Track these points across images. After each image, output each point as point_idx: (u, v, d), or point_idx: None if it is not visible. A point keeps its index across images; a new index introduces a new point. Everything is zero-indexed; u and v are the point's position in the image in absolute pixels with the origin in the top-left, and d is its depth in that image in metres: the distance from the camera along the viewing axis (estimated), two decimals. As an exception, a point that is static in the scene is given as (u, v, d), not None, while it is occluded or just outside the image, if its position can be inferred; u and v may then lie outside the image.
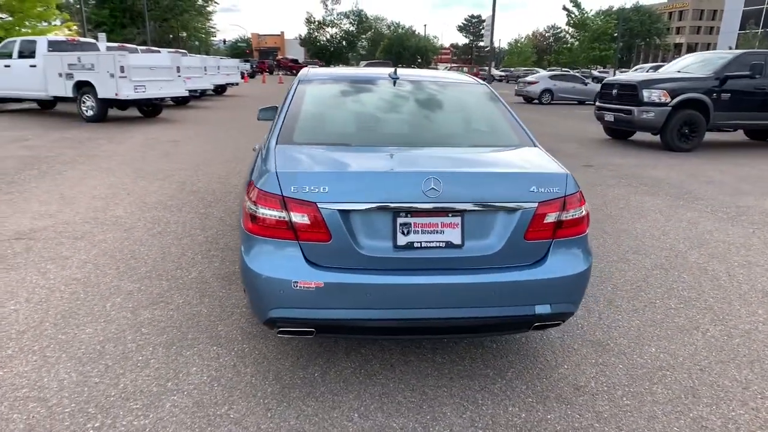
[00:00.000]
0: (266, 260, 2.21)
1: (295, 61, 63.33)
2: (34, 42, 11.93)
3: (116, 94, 11.04)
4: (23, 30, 17.38)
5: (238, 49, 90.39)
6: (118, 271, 3.66)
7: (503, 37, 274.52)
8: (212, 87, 19.68)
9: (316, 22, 56.79)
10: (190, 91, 15.80)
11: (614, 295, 3.57)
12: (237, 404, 2.30)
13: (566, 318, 2.47)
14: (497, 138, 2.90)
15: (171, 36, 45.50)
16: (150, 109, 13.13)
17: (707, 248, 4.56)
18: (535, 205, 2.27)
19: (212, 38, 62.73)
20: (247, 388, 2.42)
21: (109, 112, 12.10)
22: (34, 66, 11.68)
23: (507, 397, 2.42)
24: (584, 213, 2.42)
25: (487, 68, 32.87)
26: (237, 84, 23.55)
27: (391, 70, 3.27)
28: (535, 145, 2.78)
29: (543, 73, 27.20)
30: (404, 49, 52.59)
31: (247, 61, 54.38)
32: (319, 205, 2.15)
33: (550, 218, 2.30)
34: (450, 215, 2.24)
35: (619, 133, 11.53)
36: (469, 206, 2.22)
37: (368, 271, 2.20)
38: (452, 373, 2.59)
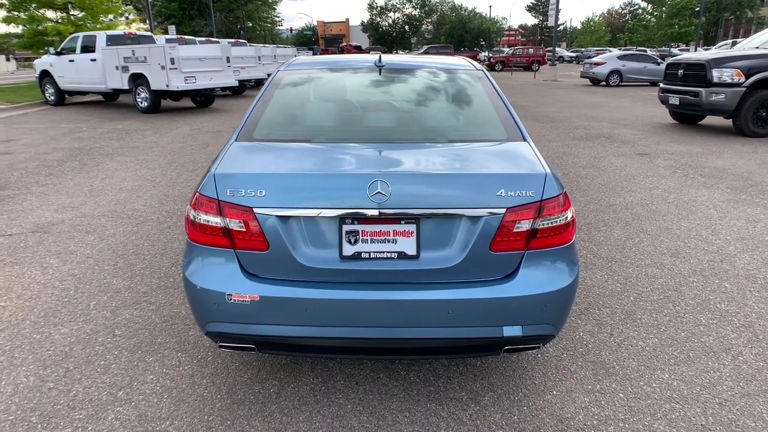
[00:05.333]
0: (202, 270, 2.06)
1: (359, 47, 63.45)
2: (94, 37, 12.56)
3: (167, 85, 11.41)
4: (90, 25, 18.40)
5: (304, 38, 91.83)
6: (114, 268, 3.67)
7: (576, 16, 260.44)
8: (266, 76, 19.99)
9: (378, 8, 56.39)
10: (244, 80, 16.12)
11: (635, 306, 3.14)
12: (180, 420, 2.17)
13: (546, 341, 2.14)
14: (482, 132, 2.56)
15: (238, 26, 46.85)
16: (202, 100, 13.50)
17: (763, 252, 3.95)
18: (503, 211, 1.95)
19: (278, 27, 64.02)
20: (196, 402, 2.29)
21: (164, 103, 12.55)
22: (95, 60, 12.31)
23: (475, 428, 2.14)
24: (568, 220, 2.06)
25: (554, 49, 31.21)
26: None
27: (384, 56, 3.00)
28: (524, 140, 2.43)
29: (611, 53, 25.44)
30: (466, 32, 50.96)
31: (311, 48, 55.13)
32: (255, 211, 1.96)
33: (522, 226, 1.97)
34: (403, 222, 1.97)
35: (688, 117, 10.49)
36: (423, 213, 1.94)
37: (310, 284, 1.99)
38: (421, 395, 2.34)
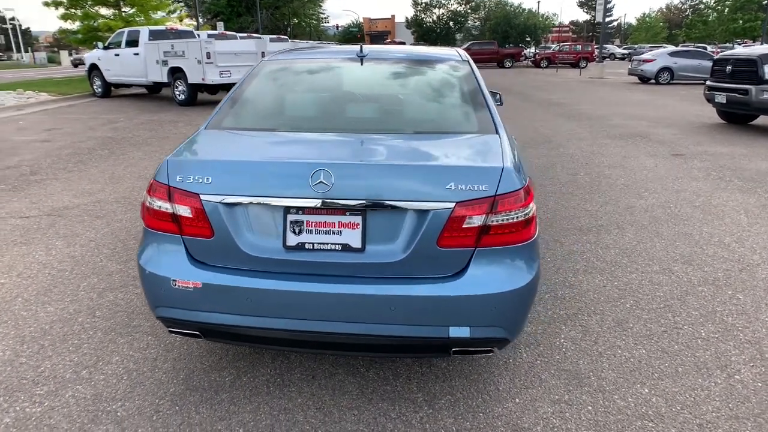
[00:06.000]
0: (152, 255, 2.06)
1: (402, 43, 63.40)
2: (137, 32, 13.06)
3: (203, 79, 11.72)
4: (141, 21, 19.14)
5: (350, 34, 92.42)
6: (113, 251, 3.78)
7: (632, 11, 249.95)
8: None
9: (423, 4, 55.93)
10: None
11: (629, 314, 2.95)
12: (131, 402, 2.20)
13: (500, 345, 2.02)
14: (453, 124, 2.45)
15: (285, 23, 47.65)
16: (238, 93, 13.77)
17: (787, 263, 3.64)
18: (452, 205, 1.85)
19: (324, 24, 64.68)
20: (152, 385, 2.31)
21: (202, 96, 12.90)
22: (137, 54, 12.79)
23: (423, 431, 2.05)
24: (527, 217, 1.94)
25: (601, 45, 30.07)
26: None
27: (369, 47, 2.93)
28: (496, 132, 2.31)
29: (662, 49, 24.24)
30: (511, 27, 49.77)
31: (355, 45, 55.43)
32: (201, 197, 1.94)
33: (472, 222, 1.86)
34: (348, 214, 1.90)
35: (738, 117, 9.84)
36: (367, 204, 1.87)
37: (253, 273, 1.95)
38: (375, 394, 2.27)
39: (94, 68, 14.30)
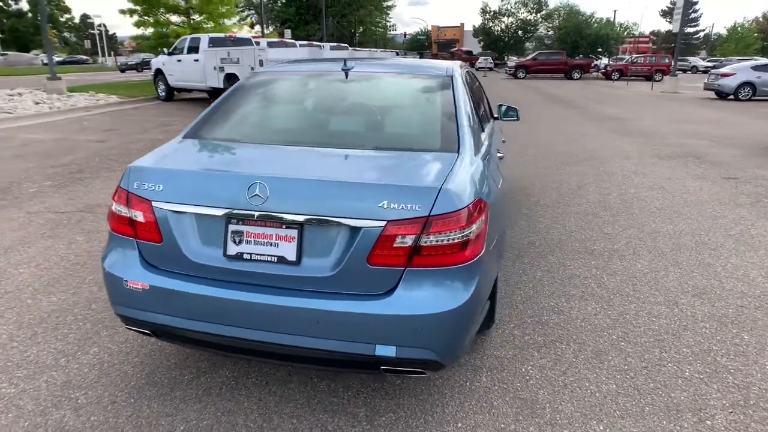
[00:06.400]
0: (112, 256, 2.21)
1: (469, 52, 62.95)
2: (198, 39, 13.84)
3: (256, 86, 12.20)
4: (209, 28, 20.26)
5: (418, 42, 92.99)
6: (127, 248, 4.04)
7: (722, 21, 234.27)
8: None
9: (492, 12, 55.40)
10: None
11: (612, 346, 2.80)
12: (94, 391, 2.35)
13: (432, 368, 2.00)
14: (415, 140, 2.45)
15: (351, 30, 48.75)
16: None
17: (813, 303, 3.31)
18: (383, 224, 1.86)
19: (390, 32, 65.52)
20: (117, 377, 2.46)
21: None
22: (197, 60, 13.55)
23: (354, 447, 2.06)
24: (464, 239, 1.91)
25: (676, 57, 28.41)
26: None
27: (354, 61, 2.98)
28: (456, 152, 2.28)
29: (744, 63, 22.54)
30: (581, 37, 48.05)
31: (420, 53, 55.80)
32: (153, 204, 2.07)
33: (403, 242, 1.86)
34: (285, 227, 1.96)
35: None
36: (299, 218, 1.92)
37: (195, 279, 2.05)
38: (320, 405, 2.30)
39: (159, 73, 15.30)
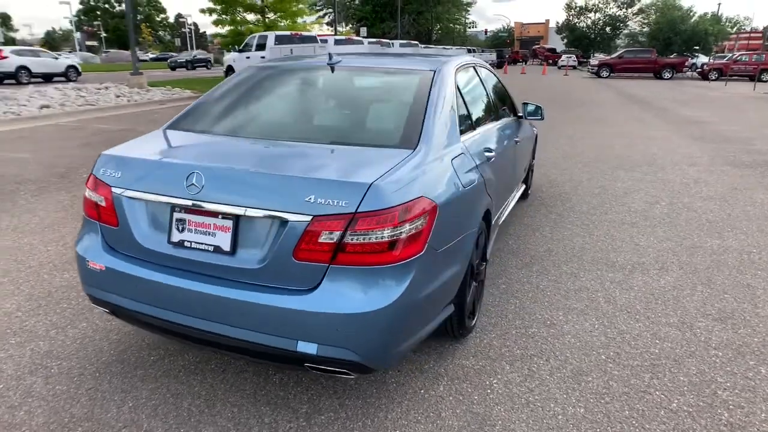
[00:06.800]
0: (82, 238, 2.35)
1: (552, 50, 60.59)
2: (266, 36, 14.41)
3: (317, 82, 12.52)
4: (281, 25, 20.99)
5: (499, 39, 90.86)
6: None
7: None
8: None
9: (578, 8, 52.84)
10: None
11: (596, 367, 2.57)
12: (68, 362, 2.52)
13: (358, 370, 1.94)
14: (375, 136, 2.39)
15: (428, 28, 48.52)
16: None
17: None
18: (309, 218, 1.83)
19: (470, 29, 64.50)
20: (93, 352, 2.62)
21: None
22: (263, 57, 14.11)
23: (283, 442, 2.05)
24: (393, 238, 1.84)
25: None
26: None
27: (341, 56, 2.96)
28: (413, 149, 2.20)
29: None
30: (675, 34, 44.42)
31: (500, 50, 54.50)
32: (112, 189, 2.17)
33: (328, 237, 1.82)
34: (221, 217, 1.98)
35: None
36: (232, 209, 1.93)
37: (144, 263, 2.13)
38: (266, 397, 2.31)
39: (230, 69, 16.10)
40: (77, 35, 76.45)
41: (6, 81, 20.59)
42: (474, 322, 2.85)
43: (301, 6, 21.49)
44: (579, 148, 8.56)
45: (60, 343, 2.69)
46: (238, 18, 21.22)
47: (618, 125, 11.34)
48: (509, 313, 3.09)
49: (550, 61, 52.71)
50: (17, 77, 20.73)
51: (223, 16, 20.97)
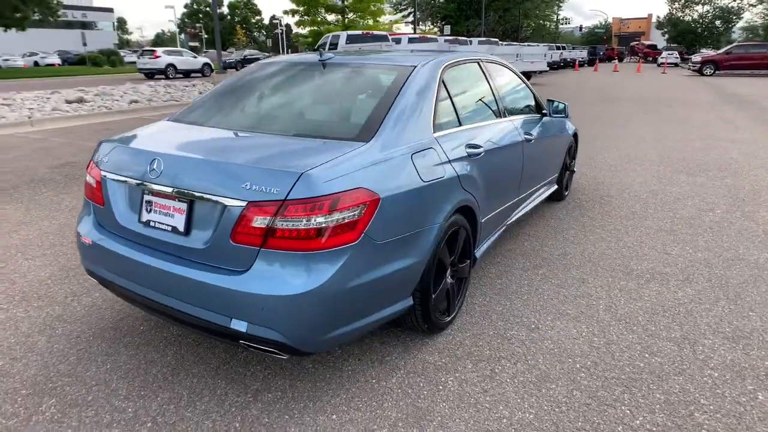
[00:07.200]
0: (81, 216, 2.63)
1: (653, 46, 56.48)
2: (338, 36, 14.79)
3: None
4: (360, 25, 21.41)
5: (595, 36, 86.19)
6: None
7: None
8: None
9: (681, 0, 48.72)
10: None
11: (565, 376, 2.46)
12: (72, 326, 2.84)
13: (292, 352, 2.03)
14: (337, 128, 2.47)
15: (517, 24, 47.15)
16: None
17: None
18: (244, 204, 1.95)
19: (562, 25, 61.85)
20: (95, 318, 2.92)
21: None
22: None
23: (224, 415, 2.18)
24: (321, 226, 1.90)
25: None
26: (541, 72, 22.92)
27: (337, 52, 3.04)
28: (367, 141, 2.24)
29: None
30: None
31: (594, 48, 51.82)
32: (101, 172, 2.42)
33: (259, 222, 1.93)
34: (177, 200, 2.15)
35: None
36: (180, 192, 2.11)
37: (118, 238, 2.35)
38: (225, 372, 2.46)
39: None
40: (181, 37, 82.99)
41: (157, 76, 24.01)
42: (450, 319, 2.82)
43: (380, 6, 21.86)
44: (644, 150, 7.99)
45: (72, 309, 3.03)
46: (319, 18, 22.03)
47: (701, 127, 10.40)
48: (494, 314, 3.02)
49: (650, 59, 49.17)
50: (166, 73, 24.08)
51: (305, 17, 21.87)
